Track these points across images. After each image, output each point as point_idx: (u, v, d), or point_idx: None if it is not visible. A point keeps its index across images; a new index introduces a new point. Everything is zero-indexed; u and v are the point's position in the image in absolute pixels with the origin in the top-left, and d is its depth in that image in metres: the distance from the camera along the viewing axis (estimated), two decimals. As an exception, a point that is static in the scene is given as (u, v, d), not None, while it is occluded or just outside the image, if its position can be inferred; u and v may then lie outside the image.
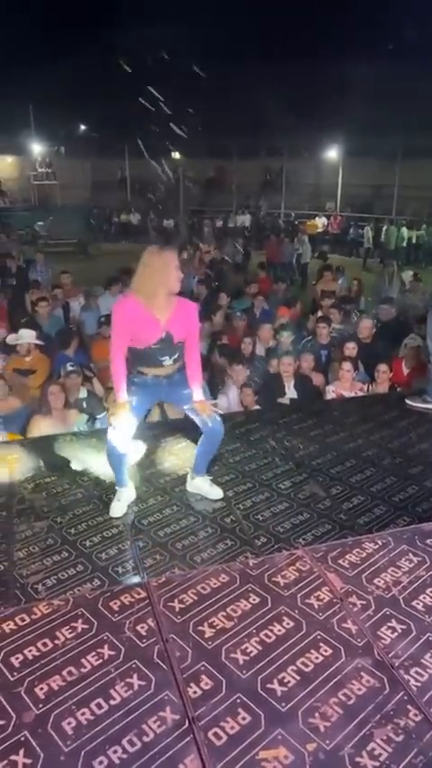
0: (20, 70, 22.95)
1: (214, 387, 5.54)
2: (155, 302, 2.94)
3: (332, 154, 24.16)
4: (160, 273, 2.90)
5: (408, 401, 4.74)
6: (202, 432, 3.26)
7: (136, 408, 3.14)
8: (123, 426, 3.04)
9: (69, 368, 5.09)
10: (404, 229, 18.18)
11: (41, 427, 4.49)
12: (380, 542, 2.64)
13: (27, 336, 5.83)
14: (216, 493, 3.39)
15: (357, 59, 19.47)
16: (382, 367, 5.29)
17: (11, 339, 5.86)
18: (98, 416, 4.75)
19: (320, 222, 21.28)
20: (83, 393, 5.04)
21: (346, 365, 5.23)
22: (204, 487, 3.41)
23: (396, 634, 2.12)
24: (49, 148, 27.34)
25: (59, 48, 23.04)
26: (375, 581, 2.39)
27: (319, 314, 7.11)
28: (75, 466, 3.77)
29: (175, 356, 3.09)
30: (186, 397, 3.20)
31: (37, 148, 26.82)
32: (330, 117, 20.71)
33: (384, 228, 18.58)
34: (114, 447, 3.13)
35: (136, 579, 2.66)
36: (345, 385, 5.25)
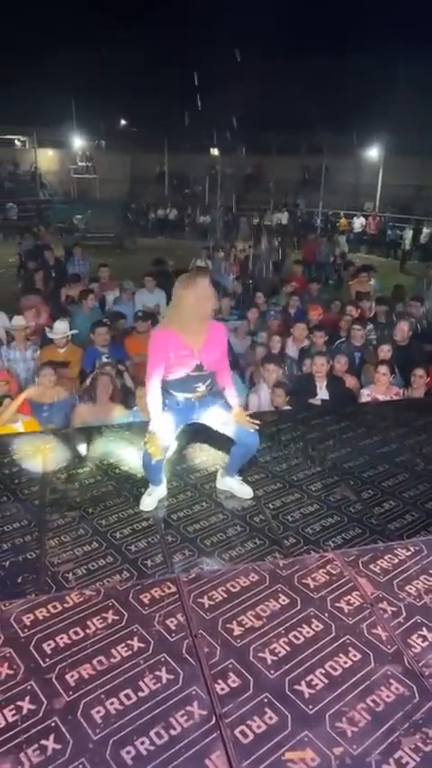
0: (63, 64, 23.22)
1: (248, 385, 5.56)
2: (189, 330, 2.95)
3: (373, 152, 23.85)
4: (194, 302, 2.89)
5: (444, 407, 4.66)
6: (236, 443, 3.27)
7: (171, 425, 3.15)
8: (158, 453, 3.05)
9: (105, 359, 5.15)
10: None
11: (86, 417, 4.56)
12: (412, 549, 2.61)
13: (62, 330, 5.91)
14: (246, 492, 3.40)
15: (401, 56, 19.17)
16: (419, 371, 5.21)
17: (52, 334, 5.95)
18: (132, 410, 4.78)
19: (358, 222, 21.03)
20: (129, 380, 5.11)
21: (383, 368, 5.16)
22: (234, 486, 3.42)
23: (427, 643, 2.10)
24: (90, 142, 27.67)
25: (102, 42, 23.23)
26: (407, 588, 2.37)
27: (354, 315, 7.03)
28: (108, 458, 3.81)
29: (208, 382, 3.12)
30: (217, 414, 3.22)
31: (78, 142, 27.17)
32: (372, 115, 20.46)
33: (425, 230, 18.25)
34: (150, 460, 3.15)
35: (164, 573, 2.68)
36: (380, 389, 5.19)
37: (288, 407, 5.06)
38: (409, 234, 18.15)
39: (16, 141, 28.82)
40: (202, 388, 3.10)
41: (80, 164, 26.51)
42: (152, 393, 3.05)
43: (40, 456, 3.79)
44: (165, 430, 3.06)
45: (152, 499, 3.29)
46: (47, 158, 28.17)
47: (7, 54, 23.36)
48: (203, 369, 3.04)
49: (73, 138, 26.97)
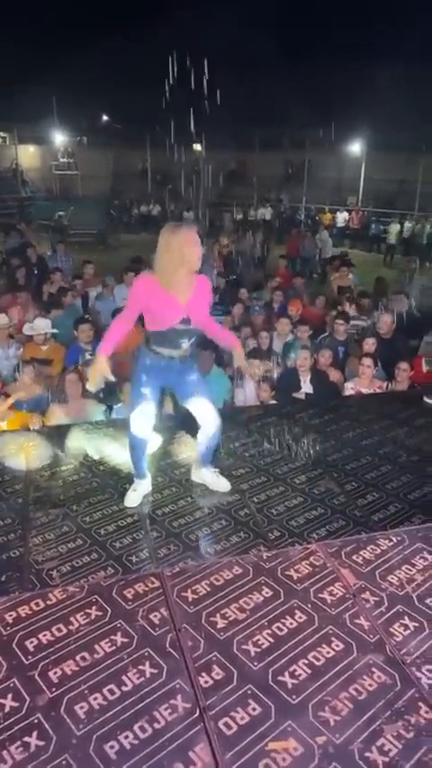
0: (43, 60, 23.01)
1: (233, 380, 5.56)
2: (175, 283, 2.86)
3: (355, 147, 23.92)
4: (179, 253, 2.79)
5: (426, 399, 4.70)
6: (201, 425, 3.26)
7: (151, 392, 3.12)
8: (93, 386, 3.08)
9: (88, 356, 5.12)
10: (429, 226, 17.89)
11: (59, 415, 4.54)
12: (394, 539, 2.63)
13: (42, 326, 5.87)
14: (223, 485, 3.38)
15: (381, 52, 19.23)
16: (403, 365, 5.25)
17: (27, 329, 5.91)
18: (115, 406, 4.77)
19: (341, 217, 21.09)
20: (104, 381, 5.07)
21: (367, 361, 5.20)
22: (208, 478, 3.40)
23: (409, 631, 2.12)
24: (72, 139, 27.43)
25: (83, 38, 23.05)
26: (389, 578, 2.39)
27: (339, 309, 7.06)
28: (91, 455, 3.80)
29: (192, 339, 3.05)
30: (192, 384, 3.16)
31: (59, 138, 26.91)
32: (354, 110, 20.51)
33: (408, 224, 18.34)
34: (136, 436, 3.14)
35: (149, 569, 2.68)
36: (364, 382, 5.22)
37: (273, 402, 5.07)
38: (393, 228, 18.22)
39: (-4, 137, 28.50)
40: (186, 344, 3.02)
41: (62, 160, 26.27)
42: (115, 324, 3.03)
43: (23, 454, 3.76)
44: (104, 370, 2.99)
45: (137, 495, 3.29)
46: (28, 155, 27.87)
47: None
48: (190, 323, 2.96)
49: (55, 134, 26.71)
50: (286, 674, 1.94)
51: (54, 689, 1.86)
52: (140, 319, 3.03)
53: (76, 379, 4.62)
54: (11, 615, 2.15)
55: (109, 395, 4.97)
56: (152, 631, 2.10)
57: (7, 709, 1.79)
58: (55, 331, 6.07)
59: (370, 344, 5.57)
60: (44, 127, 26.14)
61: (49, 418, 4.55)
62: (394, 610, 2.22)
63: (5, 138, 28.07)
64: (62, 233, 16.96)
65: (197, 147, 25.43)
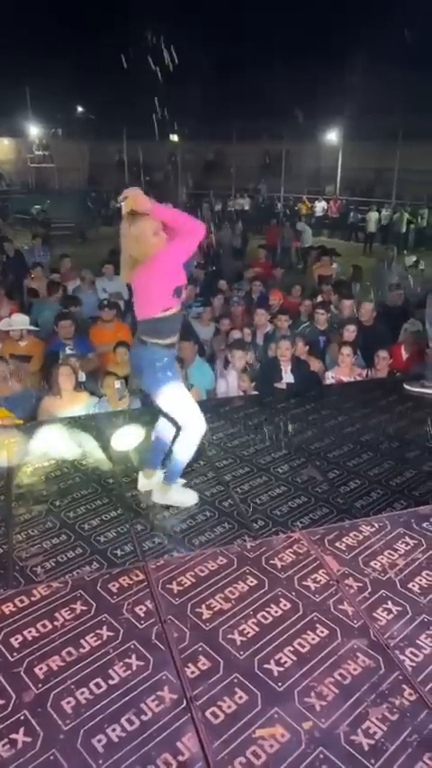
0: (16, 51, 22.60)
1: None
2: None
3: (332, 137, 23.94)
4: (155, 226, 2.67)
5: (406, 386, 4.75)
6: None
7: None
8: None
9: (69, 351, 5.08)
10: (406, 214, 18.02)
11: (51, 409, 4.51)
12: (377, 525, 2.66)
13: (19, 322, 5.81)
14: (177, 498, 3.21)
15: (357, 42, 19.23)
16: (382, 353, 5.28)
17: (3, 325, 5.84)
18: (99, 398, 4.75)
19: (320, 206, 21.13)
20: (82, 377, 5.04)
21: (346, 350, 5.22)
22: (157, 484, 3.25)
23: (392, 615, 2.14)
24: (47, 131, 27.08)
25: (57, 29, 22.70)
26: (372, 563, 2.41)
27: (318, 299, 7.09)
28: (73, 450, 3.78)
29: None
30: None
31: (34, 131, 26.55)
32: (330, 100, 20.49)
33: (385, 213, 18.44)
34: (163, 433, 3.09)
35: (134, 562, 2.68)
36: (344, 370, 5.25)
37: (254, 392, 5.08)
38: (372, 216, 18.29)
39: (-30, 131, 28.01)
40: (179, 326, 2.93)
41: (37, 153, 25.94)
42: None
43: (5, 450, 3.73)
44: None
45: (149, 482, 3.23)
46: (2, 148, 27.50)
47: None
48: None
49: (29, 126, 26.34)
50: (272, 661, 1.95)
51: (40, 685, 1.86)
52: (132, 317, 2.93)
53: (69, 372, 4.58)
54: (-5, 613, 2.14)
55: (91, 388, 4.95)
56: (138, 624, 2.10)
57: (-7, 707, 1.78)
58: (33, 328, 6.02)
59: (350, 332, 5.60)
60: (18, 119, 25.76)
61: (43, 413, 4.52)
62: (377, 595, 2.24)
63: (-21, 131, 27.63)
64: (46, 227, 16.71)
65: (174, 137, 25.29)
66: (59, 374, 4.55)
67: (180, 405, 2.94)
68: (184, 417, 2.94)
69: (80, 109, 29.36)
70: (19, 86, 24.09)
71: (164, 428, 3.19)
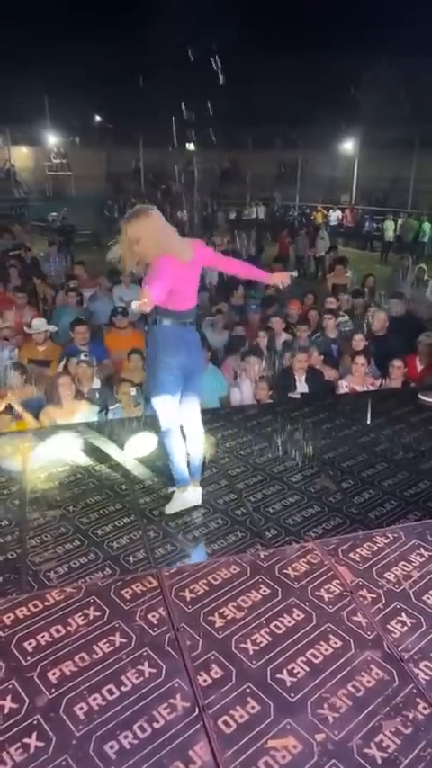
0: (35, 60, 22.92)
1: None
2: (179, 249, 2.87)
3: (348, 146, 23.96)
4: (164, 222, 2.88)
5: (421, 396, 4.72)
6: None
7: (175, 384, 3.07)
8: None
9: (83, 357, 5.11)
10: (426, 223, 17.91)
11: (52, 418, 4.53)
12: (391, 537, 2.64)
13: (41, 325, 5.87)
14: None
15: (374, 51, 19.26)
16: (397, 362, 5.26)
17: (27, 329, 5.90)
18: (111, 407, 4.77)
19: (334, 215, 21.12)
20: (96, 384, 5.07)
21: (360, 359, 5.21)
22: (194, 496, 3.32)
23: (406, 628, 2.13)
24: (64, 139, 27.38)
25: (75, 38, 22.97)
26: (386, 575, 2.40)
27: (326, 307, 7.08)
28: (87, 456, 3.80)
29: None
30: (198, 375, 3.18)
31: (52, 139, 26.86)
32: (346, 109, 20.53)
33: (401, 222, 18.39)
34: (169, 439, 3.12)
35: (147, 569, 2.69)
36: (357, 379, 5.23)
37: (270, 401, 5.08)
38: (388, 225, 18.23)
39: (-12, 139, 28.41)
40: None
41: (55, 161, 26.23)
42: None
43: (20, 455, 3.76)
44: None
45: (182, 502, 3.21)
46: (21, 156, 27.79)
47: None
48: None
49: (47, 134, 26.66)
50: (285, 671, 1.94)
51: (53, 690, 1.87)
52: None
53: (68, 382, 4.60)
54: (9, 617, 2.15)
55: (105, 396, 4.97)
56: (151, 631, 2.10)
57: (6, 711, 1.79)
58: (54, 328, 6.09)
59: (358, 341, 5.60)
60: (37, 128, 26.08)
61: (43, 420, 4.54)
62: (391, 606, 2.23)
63: (-1, 139, 27.99)
64: (63, 234, 16.85)
65: (190, 146, 25.42)
66: (59, 384, 4.56)
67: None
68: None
69: (98, 117, 29.65)
70: (38, 95, 24.38)
71: (194, 431, 3.24)
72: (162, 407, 3.08)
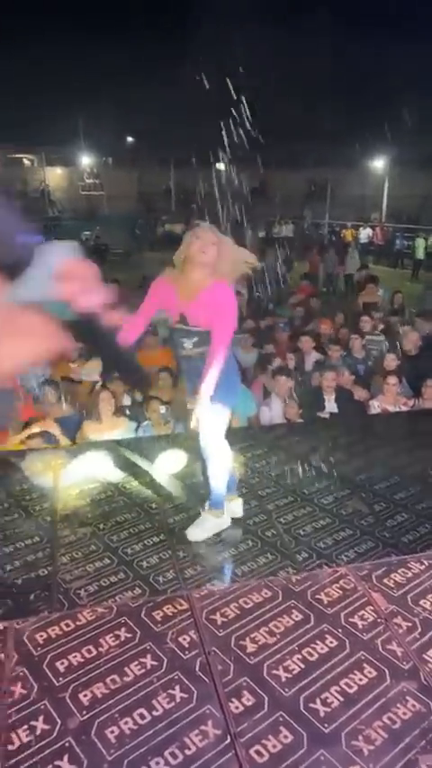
0: (71, 84, 23.58)
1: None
2: (184, 278, 2.81)
3: (378, 164, 23.97)
4: (190, 244, 2.75)
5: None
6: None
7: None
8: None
9: (116, 374, 5.16)
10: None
11: (92, 434, 4.57)
12: (426, 563, 2.58)
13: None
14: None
15: (405, 69, 19.29)
16: (430, 382, 5.18)
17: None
18: (142, 424, 4.80)
19: (364, 233, 21.08)
20: (127, 400, 5.11)
21: (391, 379, 5.15)
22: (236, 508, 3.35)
23: (443, 659, 2.07)
24: (97, 160, 28.02)
25: (109, 61, 23.59)
26: (422, 602, 2.34)
27: (359, 326, 7.04)
28: (118, 473, 3.82)
29: (195, 340, 2.85)
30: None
31: (85, 160, 27.52)
32: (377, 127, 20.57)
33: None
34: (224, 454, 3.08)
35: (176, 589, 2.67)
36: (389, 399, 5.17)
37: (300, 420, 5.05)
38: (419, 243, 18.11)
39: (25, 160, 29.24)
40: (188, 344, 2.88)
41: (88, 181, 26.85)
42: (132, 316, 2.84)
43: (52, 472, 3.80)
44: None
45: (203, 529, 3.15)
46: (55, 176, 28.56)
47: (19, 76, 23.77)
48: (188, 322, 2.81)
49: (81, 155, 27.34)
50: (318, 700, 1.90)
51: (85, 712, 1.86)
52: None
53: (109, 397, 4.65)
54: (41, 636, 2.16)
55: (135, 412, 5.00)
56: (182, 654, 2.09)
57: (39, 732, 1.79)
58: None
59: (389, 361, 5.54)
60: (71, 149, 26.76)
61: (83, 437, 4.59)
62: (428, 636, 2.17)
63: (33, 160, 28.81)
64: (96, 253, 17.16)
65: (220, 165, 25.71)
66: (100, 399, 4.60)
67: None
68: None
69: (130, 138, 30.29)
70: (72, 117, 25.06)
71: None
72: (225, 423, 3.05)
